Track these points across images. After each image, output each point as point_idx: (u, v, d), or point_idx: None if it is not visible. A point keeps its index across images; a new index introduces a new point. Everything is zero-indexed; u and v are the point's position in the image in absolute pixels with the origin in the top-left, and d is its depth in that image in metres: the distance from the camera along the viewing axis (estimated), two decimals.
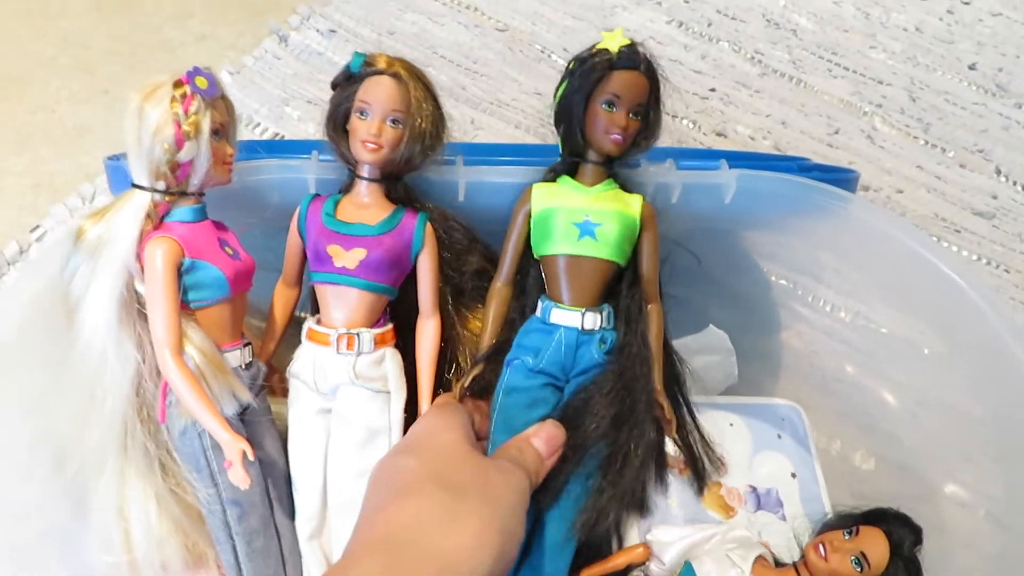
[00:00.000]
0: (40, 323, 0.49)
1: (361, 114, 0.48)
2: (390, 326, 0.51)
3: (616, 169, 0.54)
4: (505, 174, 0.56)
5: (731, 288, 0.70)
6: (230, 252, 0.47)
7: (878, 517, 0.52)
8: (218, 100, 0.46)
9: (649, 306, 0.55)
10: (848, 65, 1.02)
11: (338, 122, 0.50)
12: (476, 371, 0.53)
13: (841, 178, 0.61)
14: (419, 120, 0.48)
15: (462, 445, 0.43)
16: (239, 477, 0.44)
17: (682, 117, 0.94)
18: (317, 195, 0.52)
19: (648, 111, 0.52)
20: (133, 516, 0.46)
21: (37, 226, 0.78)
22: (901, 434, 0.67)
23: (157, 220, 0.45)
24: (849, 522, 0.53)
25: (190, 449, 0.46)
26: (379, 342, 0.49)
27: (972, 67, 1.03)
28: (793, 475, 0.61)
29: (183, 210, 0.46)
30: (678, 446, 0.57)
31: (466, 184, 0.55)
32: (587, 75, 0.50)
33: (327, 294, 0.49)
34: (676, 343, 0.70)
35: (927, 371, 0.65)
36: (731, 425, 0.62)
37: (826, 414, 0.67)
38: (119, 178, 0.56)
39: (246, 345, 0.48)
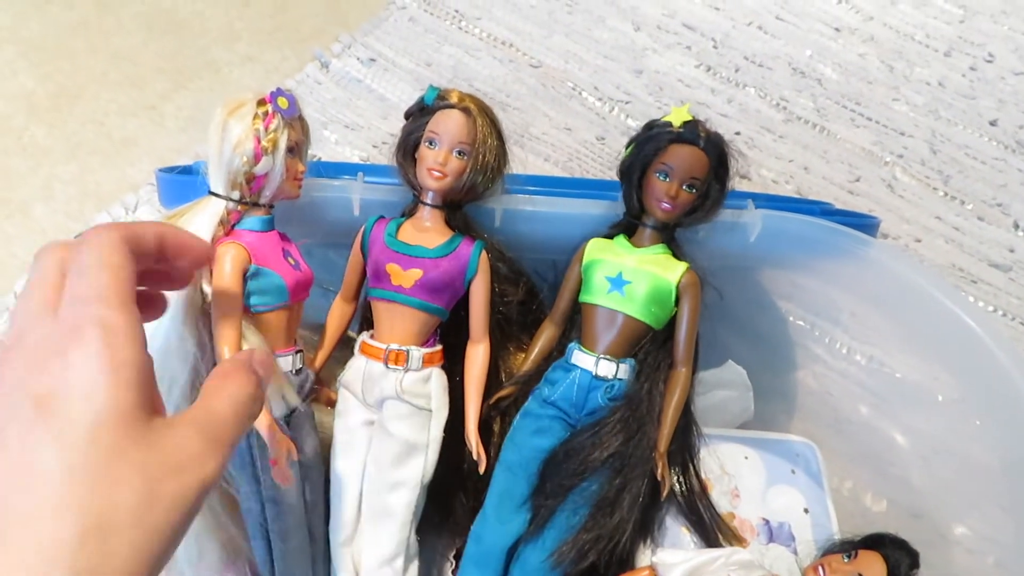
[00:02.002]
0: None
1: (430, 144, 0.51)
2: (439, 347, 0.53)
3: (674, 236, 0.57)
4: (540, 203, 0.58)
5: (751, 325, 0.72)
6: (292, 262, 0.50)
7: (876, 541, 0.54)
8: (296, 120, 0.49)
9: (675, 370, 0.56)
10: (871, 115, 1.04)
11: (408, 149, 0.53)
12: (505, 392, 0.56)
13: (863, 224, 0.63)
14: (483, 153, 0.51)
15: (136, 418, 0.29)
16: (282, 475, 0.46)
17: None
18: (382, 217, 0.54)
19: (706, 185, 0.55)
20: None
21: (81, 232, 0.81)
22: (912, 478, 0.68)
23: (229, 227, 0.48)
24: (848, 547, 0.55)
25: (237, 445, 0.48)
26: (427, 361, 0.52)
27: (993, 123, 1.05)
28: (806, 510, 0.62)
29: (253, 220, 0.49)
30: (687, 519, 0.58)
31: (503, 211, 0.57)
32: (648, 144, 0.54)
33: (382, 310, 0.52)
34: (695, 377, 0.72)
35: (940, 417, 0.66)
36: (746, 458, 0.63)
37: (839, 454, 0.68)
38: (169, 189, 0.59)
39: (297, 352, 0.51)
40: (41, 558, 0.27)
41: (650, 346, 0.56)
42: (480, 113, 0.51)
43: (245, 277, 0.47)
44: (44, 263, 0.33)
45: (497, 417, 0.59)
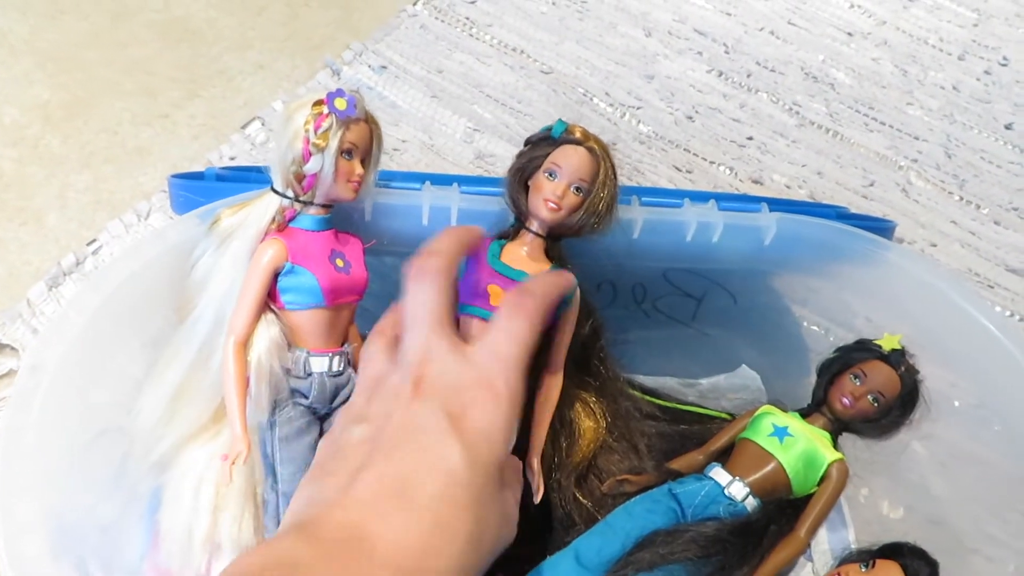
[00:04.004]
0: (138, 304, 0.53)
1: (550, 175, 0.51)
2: None
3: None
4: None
5: (764, 330, 0.71)
6: (339, 264, 0.51)
7: (894, 551, 0.54)
8: (357, 122, 0.49)
9: (795, 533, 0.57)
10: (885, 120, 1.03)
11: (524, 175, 0.53)
12: (636, 478, 0.59)
13: (879, 227, 0.63)
14: (601, 195, 0.52)
15: (509, 455, 0.41)
16: (224, 474, 0.47)
17: (719, 164, 0.97)
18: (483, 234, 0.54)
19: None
20: (209, 490, 0.48)
21: (94, 240, 0.81)
22: (930, 485, 0.67)
23: (283, 223, 0.49)
24: (866, 556, 0.54)
25: (261, 437, 0.49)
26: None
27: (1008, 127, 1.04)
28: None
29: (306, 218, 0.50)
30: None
31: None
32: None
33: (473, 328, 0.51)
34: (707, 382, 0.71)
35: (958, 423, 0.65)
36: None
37: (855, 461, 0.67)
38: (181, 195, 0.59)
39: (340, 354, 0.51)
40: (440, 537, 0.35)
41: (777, 509, 0.58)
42: (604, 156, 0.52)
43: (279, 274, 0.48)
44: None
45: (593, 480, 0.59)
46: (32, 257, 0.80)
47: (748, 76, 1.06)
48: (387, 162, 0.89)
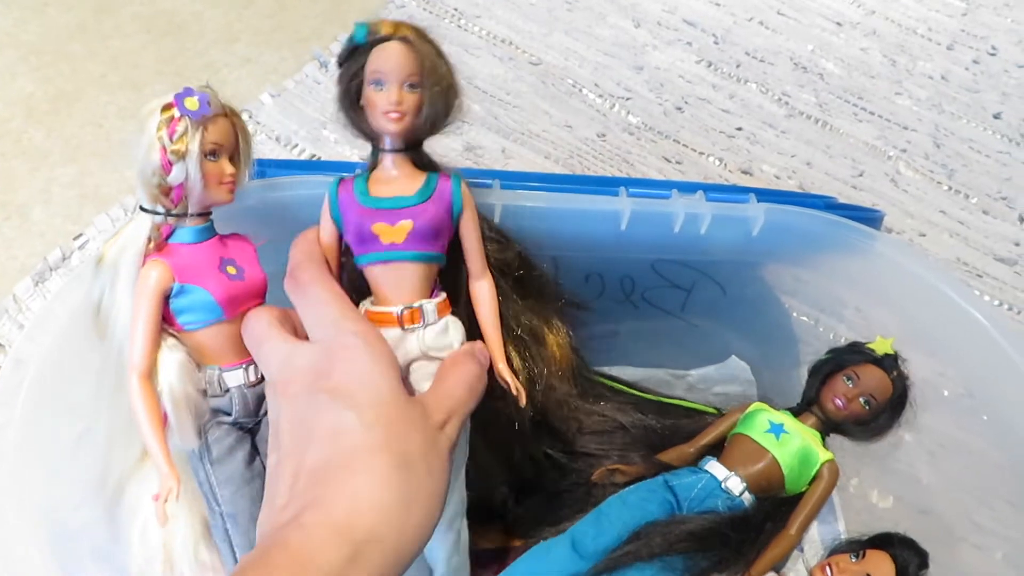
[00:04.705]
0: (82, 331, 0.51)
1: (376, 85, 0.46)
2: (444, 295, 0.50)
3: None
4: (539, 199, 0.57)
5: (753, 321, 0.71)
6: (232, 272, 0.47)
7: (884, 541, 0.54)
8: (215, 119, 0.44)
9: (788, 531, 0.58)
10: (874, 110, 1.03)
11: (352, 98, 0.48)
12: (626, 468, 0.59)
13: (867, 217, 0.62)
14: (436, 81, 0.47)
15: (402, 394, 0.41)
16: (160, 514, 0.44)
17: (709, 155, 0.96)
18: (342, 179, 0.50)
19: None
20: (155, 530, 0.47)
21: (80, 234, 0.81)
22: (919, 474, 0.67)
23: (160, 241, 0.45)
24: (856, 546, 0.54)
25: (192, 465, 0.47)
26: (440, 311, 0.48)
27: (997, 116, 1.04)
28: None
29: (184, 232, 0.46)
30: None
31: (502, 207, 0.56)
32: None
33: (379, 274, 0.48)
34: (697, 372, 0.71)
35: (947, 413, 0.65)
36: None
37: (844, 451, 0.67)
38: None
39: (254, 363, 0.48)
40: (371, 486, 0.36)
41: (773, 506, 0.58)
42: (419, 39, 0.46)
43: (169, 296, 0.45)
44: (262, 319, 0.45)
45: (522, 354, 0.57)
46: (18, 252, 0.80)
47: (737, 67, 1.06)
48: None
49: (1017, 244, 0.93)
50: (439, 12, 1.05)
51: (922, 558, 0.53)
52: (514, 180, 0.58)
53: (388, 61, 0.45)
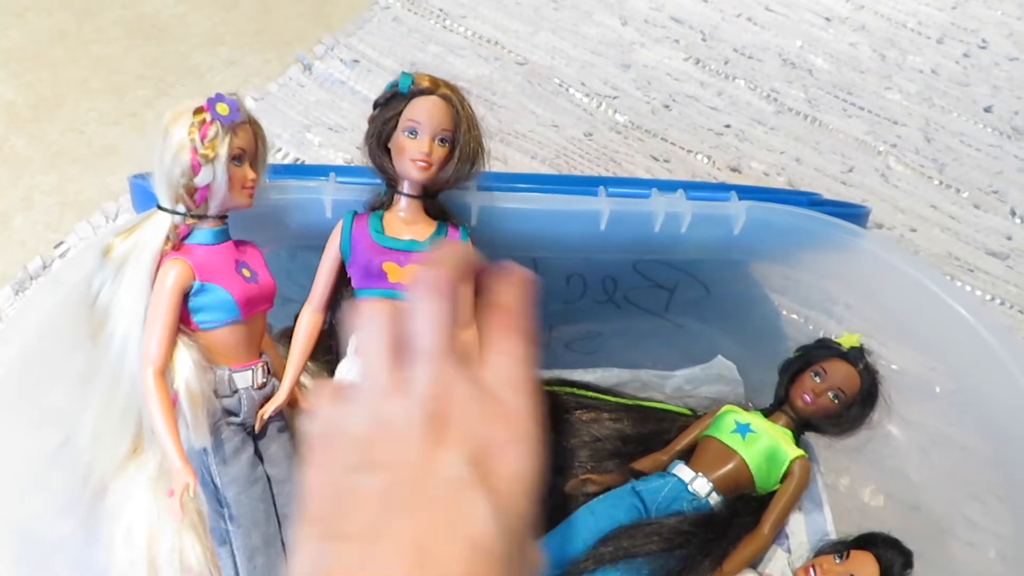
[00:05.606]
0: (62, 334, 0.51)
1: (410, 133, 0.49)
2: None
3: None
4: (518, 200, 0.57)
5: (740, 320, 0.71)
6: (247, 275, 0.48)
7: (868, 541, 0.54)
8: (242, 126, 0.46)
9: (758, 530, 0.58)
10: (863, 105, 1.02)
11: (382, 139, 0.51)
12: (598, 477, 0.59)
13: (852, 213, 0.62)
14: (467, 141, 0.49)
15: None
16: (175, 510, 0.44)
17: (697, 152, 0.96)
18: (356, 212, 0.52)
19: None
20: (153, 519, 0.46)
21: (61, 242, 0.80)
22: (910, 471, 0.66)
23: (177, 241, 0.47)
24: (840, 547, 0.54)
25: (197, 463, 0.47)
26: None
27: (988, 110, 1.03)
28: (799, 508, 0.61)
29: (202, 232, 0.47)
30: None
31: (479, 208, 0.56)
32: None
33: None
34: (683, 373, 0.71)
35: (937, 409, 0.65)
36: None
37: (835, 450, 0.67)
38: (142, 196, 0.58)
39: (260, 365, 0.49)
40: None
41: (742, 503, 0.58)
42: (459, 99, 0.49)
43: (187, 295, 0.45)
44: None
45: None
46: None
47: (725, 63, 1.05)
48: (361, 158, 0.89)
49: (1009, 238, 0.92)
50: (424, 13, 1.05)
51: (906, 557, 0.53)
52: (494, 181, 0.58)
53: (426, 112, 0.48)
